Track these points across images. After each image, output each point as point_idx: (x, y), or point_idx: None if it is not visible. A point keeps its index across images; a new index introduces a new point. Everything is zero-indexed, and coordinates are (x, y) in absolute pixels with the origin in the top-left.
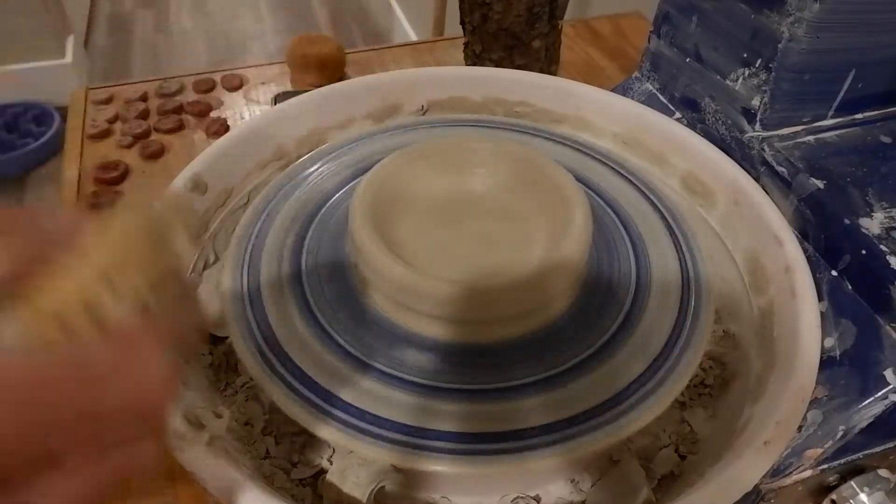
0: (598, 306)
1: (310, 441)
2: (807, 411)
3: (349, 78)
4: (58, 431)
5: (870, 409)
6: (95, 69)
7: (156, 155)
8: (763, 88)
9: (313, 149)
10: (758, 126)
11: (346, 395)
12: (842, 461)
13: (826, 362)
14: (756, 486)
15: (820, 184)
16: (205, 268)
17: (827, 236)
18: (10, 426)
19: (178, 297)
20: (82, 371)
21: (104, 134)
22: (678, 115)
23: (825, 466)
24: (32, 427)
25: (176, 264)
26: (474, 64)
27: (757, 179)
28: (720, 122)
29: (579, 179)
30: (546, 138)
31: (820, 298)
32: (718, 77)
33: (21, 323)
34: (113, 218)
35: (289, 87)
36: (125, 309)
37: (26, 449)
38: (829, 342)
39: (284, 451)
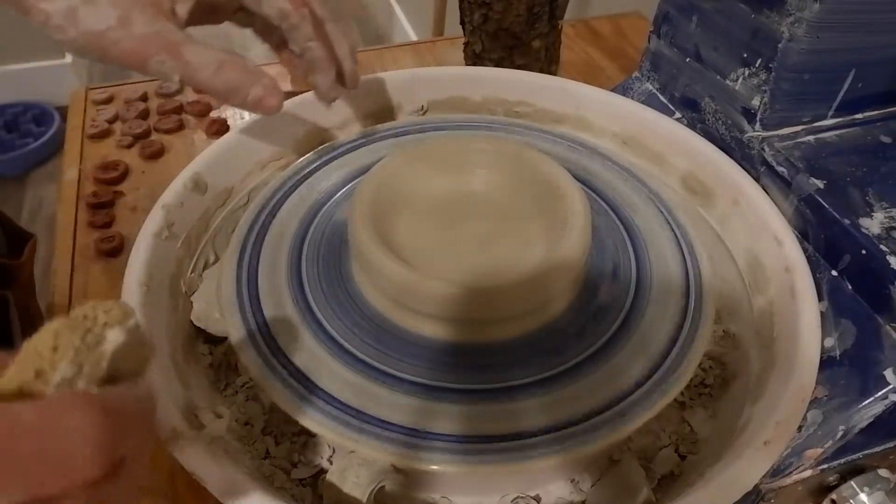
0: (598, 306)
1: (310, 441)
2: (807, 411)
3: None
4: None
5: (870, 408)
6: (95, 69)
7: (156, 155)
8: (763, 88)
9: (313, 149)
10: (758, 126)
11: (346, 395)
12: (842, 461)
13: (826, 362)
14: (756, 486)
15: (820, 184)
16: (205, 267)
17: (827, 236)
18: None
19: (128, 381)
20: (8, 422)
21: (104, 134)
22: (678, 114)
23: (825, 466)
24: None
25: (108, 353)
26: (474, 64)
27: (757, 179)
28: (720, 121)
29: (579, 180)
30: (546, 138)
31: (820, 298)
32: (718, 77)
33: None
34: (37, 333)
35: (289, 87)
36: (58, 389)
37: None
38: (829, 342)
39: (284, 451)
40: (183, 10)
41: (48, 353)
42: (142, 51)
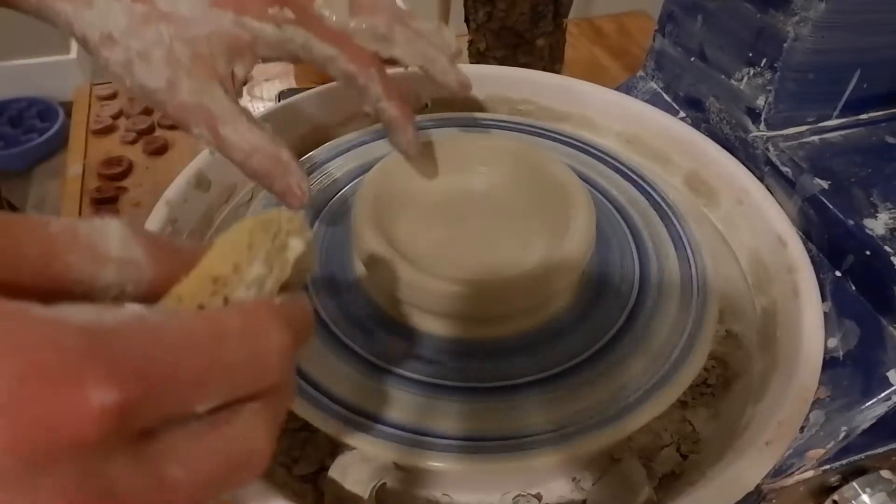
0: (601, 305)
1: (311, 437)
2: (809, 412)
3: None
4: (193, 381)
5: (872, 409)
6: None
7: (160, 151)
8: (768, 88)
9: (316, 146)
10: (762, 126)
11: (347, 392)
12: (844, 462)
13: (829, 363)
14: (758, 486)
15: (824, 184)
16: None
17: (830, 237)
18: (165, 368)
19: (294, 291)
20: (214, 327)
21: (108, 129)
22: (682, 114)
23: (827, 467)
24: (178, 371)
25: (291, 260)
26: (478, 62)
27: (761, 179)
28: (724, 121)
29: (582, 178)
30: (549, 137)
31: (823, 299)
32: (723, 76)
33: (163, 306)
34: (230, 229)
35: (293, 84)
36: (250, 293)
37: (174, 394)
38: (833, 343)
39: (286, 448)
40: (242, 72)
41: (244, 250)
42: (184, 118)
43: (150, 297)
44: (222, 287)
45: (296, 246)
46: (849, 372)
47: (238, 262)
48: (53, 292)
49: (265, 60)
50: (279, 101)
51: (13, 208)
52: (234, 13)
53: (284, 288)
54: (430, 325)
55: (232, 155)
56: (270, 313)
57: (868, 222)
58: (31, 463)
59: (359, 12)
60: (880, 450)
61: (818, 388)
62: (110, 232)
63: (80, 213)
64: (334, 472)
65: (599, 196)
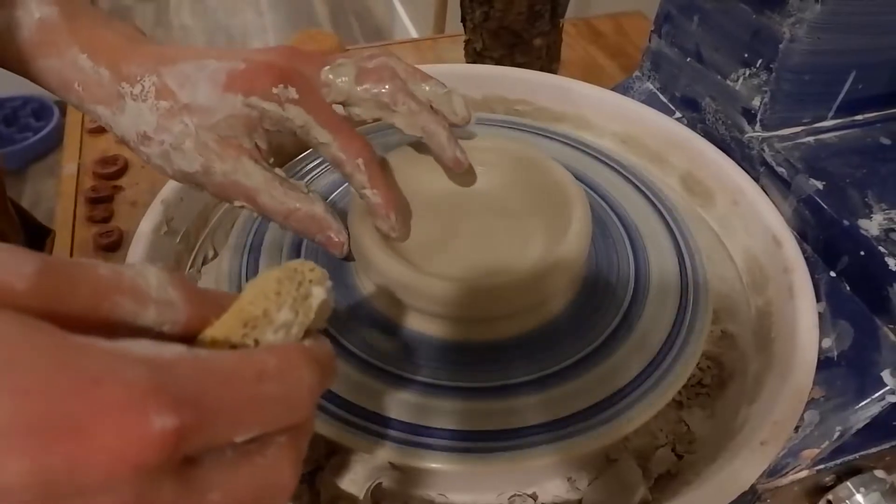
0: (597, 305)
1: None
2: (804, 412)
3: None
4: (237, 413)
5: (867, 410)
6: None
7: None
8: (763, 89)
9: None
10: (758, 126)
11: (344, 392)
12: (838, 462)
13: (823, 363)
14: (752, 486)
15: (819, 185)
16: (204, 263)
17: (826, 237)
18: (214, 400)
19: (315, 334)
20: (255, 365)
21: (103, 129)
22: (678, 114)
23: (822, 467)
24: (225, 403)
25: (314, 306)
26: (475, 62)
27: (756, 180)
28: (720, 122)
29: (579, 178)
30: (546, 137)
31: (818, 299)
32: (719, 77)
33: (199, 347)
34: (259, 277)
35: None
36: (277, 336)
37: (221, 424)
38: (827, 343)
39: None
40: (263, 143)
41: (273, 297)
42: (224, 194)
43: (185, 337)
44: (252, 330)
45: (318, 294)
46: (843, 372)
47: (267, 307)
48: (102, 329)
49: (272, 134)
50: None
51: (16, 207)
52: (243, 94)
53: (307, 331)
54: (426, 325)
55: (274, 217)
56: (302, 355)
57: (863, 223)
58: (99, 482)
59: (365, 80)
60: (874, 450)
61: (813, 389)
62: (149, 276)
63: (75, 213)
64: (330, 472)
65: (596, 196)
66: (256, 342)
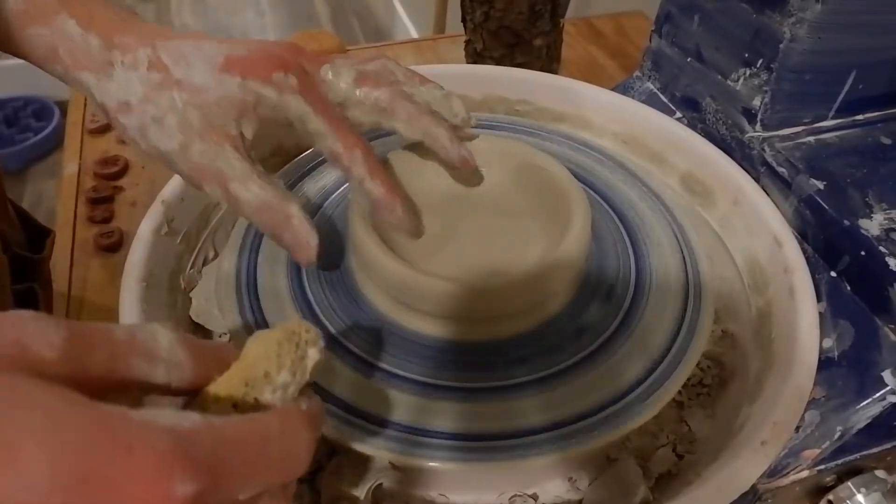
0: (597, 305)
1: None
2: (804, 412)
3: None
4: (245, 474)
5: (867, 410)
6: None
7: None
8: (764, 89)
9: (312, 146)
10: (758, 126)
11: (344, 392)
12: (839, 462)
13: (824, 363)
14: (753, 486)
15: (820, 184)
16: (204, 264)
17: (826, 237)
18: (226, 464)
19: (309, 392)
20: (260, 429)
21: (104, 129)
22: (679, 114)
23: (822, 467)
24: (235, 466)
25: (309, 367)
26: (475, 62)
27: (757, 180)
28: (721, 122)
29: (579, 178)
30: (546, 137)
31: (819, 299)
32: (719, 77)
33: (201, 406)
34: (259, 338)
35: None
36: (276, 396)
37: (231, 484)
38: (828, 343)
39: None
40: (248, 132)
41: (274, 358)
42: (196, 176)
43: (190, 391)
44: (252, 389)
45: (313, 355)
46: (844, 372)
47: (268, 369)
48: (118, 388)
49: (263, 123)
50: None
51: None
52: (240, 77)
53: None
54: (427, 325)
55: (242, 210)
56: (301, 417)
57: (863, 223)
58: None
59: (363, 83)
60: (875, 450)
61: (813, 389)
62: (160, 337)
63: (75, 213)
64: (331, 472)
65: (596, 196)
66: (256, 400)
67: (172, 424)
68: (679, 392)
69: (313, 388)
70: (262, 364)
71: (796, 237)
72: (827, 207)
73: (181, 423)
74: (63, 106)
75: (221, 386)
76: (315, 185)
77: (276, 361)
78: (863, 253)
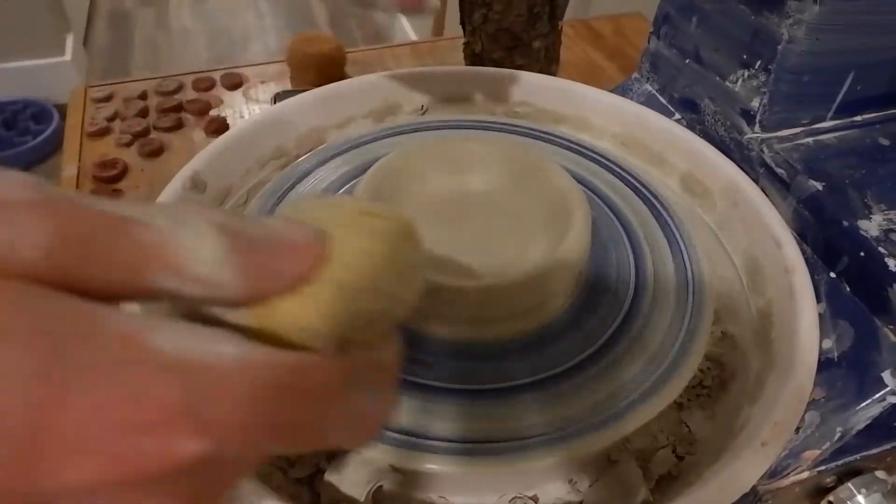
0: (597, 307)
1: None
2: (804, 413)
3: (349, 77)
4: (277, 442)
5: (867, 410)
6: (95, 67)
7: (155, 153)
8: (762, 90)
9: (312, 148)
10: (757, 127)
11: None
12: (839, 463)
13: (824, 364)
14: (754, 487)
15: (819, 185)
16: None
17: (825, 238)
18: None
19: (388, 338)
20: (311, 384)
21: (103, 132)
22: (677, 115)
23: (822, 468)
24: (269, 433)
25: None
26: (474, 64)
27: (756, 181)
28: (719, 123)
29: (579, 180)
30: (546, 139)
31: (818, 300)
32: (718, 78)
33: (260, 319)
34: (352, 237)
35: (288, 86)
36: (335, 338)
37: (262, 439)
38: (827, 344)
39: None
40: None
41: (356, 283)
42: None
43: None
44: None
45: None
46: (843, 373)
47: (346, 294)
48: (135, 296)
49: None
50: (275, 102)
51: None
52: None
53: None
54: (427, 326)
55: None
56: (364, 374)
57: (862, 223)
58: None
59: None
60: (875, 450)
61: (813, 390)
62: (204, 249)
63: None
64: (331, 474)
65: (596, 198)
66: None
67: (193, 364)
68: (679, 393)
69: None
70: (336, 293)
71: (795, 238)
72: (826, 208)
73: (204, 361)
74: (62, 109)
75: (270, 317)
76: (315, 187)
77: (357, 289)
78: (862, 254)
